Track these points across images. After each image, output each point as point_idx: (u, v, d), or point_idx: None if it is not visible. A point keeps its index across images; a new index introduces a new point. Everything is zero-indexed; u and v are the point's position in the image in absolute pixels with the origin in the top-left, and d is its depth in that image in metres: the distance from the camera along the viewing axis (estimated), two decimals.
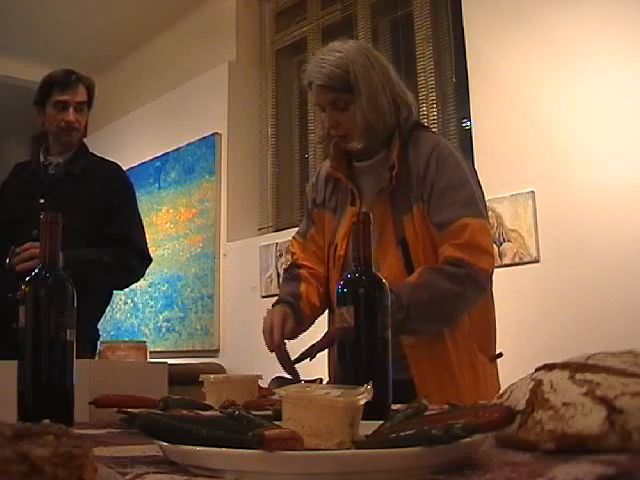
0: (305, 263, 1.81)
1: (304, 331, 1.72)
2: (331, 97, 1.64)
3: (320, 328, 1.75)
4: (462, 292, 1.56)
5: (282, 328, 1.60)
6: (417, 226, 1.62)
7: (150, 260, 2.51)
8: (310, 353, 1.52)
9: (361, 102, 1.62)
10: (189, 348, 4.72)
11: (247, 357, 3.47)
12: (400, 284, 1.54)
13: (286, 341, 1.61)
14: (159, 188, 5.18)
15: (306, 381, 1.37)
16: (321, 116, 1.72)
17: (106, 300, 2.59)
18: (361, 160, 1.75)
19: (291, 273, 1.80)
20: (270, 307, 1.73)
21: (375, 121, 1.64)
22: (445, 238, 1.58)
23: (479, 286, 1.59)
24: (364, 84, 1.62)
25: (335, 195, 1.79)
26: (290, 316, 1.64)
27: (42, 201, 2.36)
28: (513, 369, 1.37)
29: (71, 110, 2.38)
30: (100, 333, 2.52)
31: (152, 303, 5.09)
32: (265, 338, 1.62)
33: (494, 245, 3.13)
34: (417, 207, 1.62)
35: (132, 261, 2.42)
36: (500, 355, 1.71)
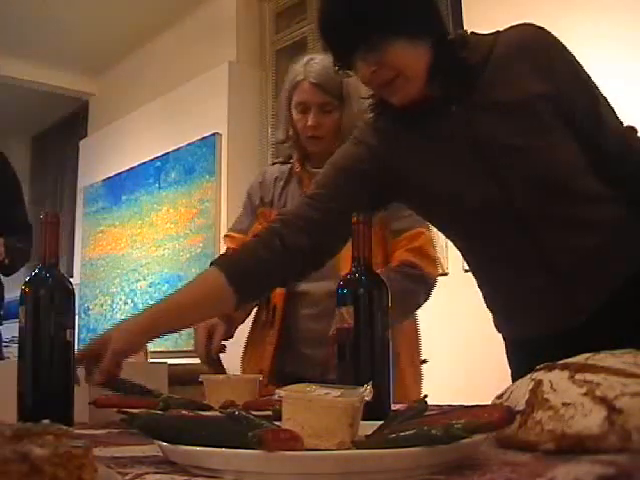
0: None
1: (242, 322, 1.75)
2: (322, 99, 1.68)
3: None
4: (416, 290, 1.67)
5: (209, 342, 1.59)
6: (375, 231, 1.64)
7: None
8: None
9: (350, 108, 1.68)
10: (189, 348, 4.70)
11: None
12: None
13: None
14: (159, 188, 5.18)
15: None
16: (294, 116, 1.72)
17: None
18: (317, 167, 1.69)
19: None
20: None
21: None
22: (400, 244, 1.69)
23: (429, 288, 1.70)
24: (355, 95, 1.66)
25: (284, 195, 1.80)
26: (218, 324, 1.60)
27: None
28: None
29: None
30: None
31: (152, 303, 5.08)
32: (198, 353, 1.62)
33: None
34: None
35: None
36: (425, 361, 1.83)
